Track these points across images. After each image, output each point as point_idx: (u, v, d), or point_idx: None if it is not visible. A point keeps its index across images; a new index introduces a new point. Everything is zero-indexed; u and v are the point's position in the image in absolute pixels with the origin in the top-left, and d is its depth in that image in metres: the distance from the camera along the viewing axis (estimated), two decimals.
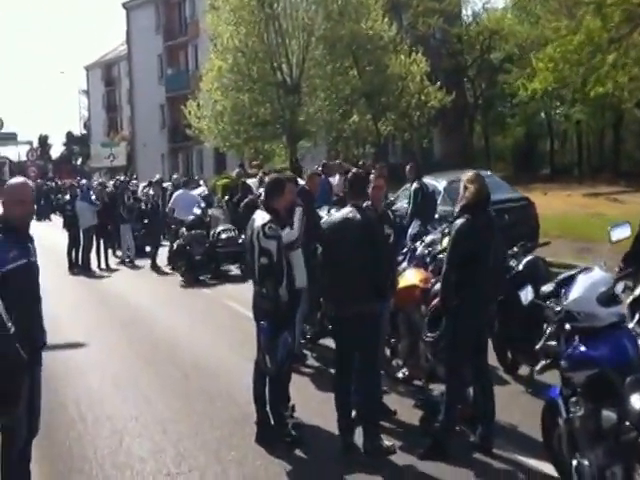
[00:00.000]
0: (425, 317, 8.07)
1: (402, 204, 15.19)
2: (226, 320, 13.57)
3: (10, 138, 51.48)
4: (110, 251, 22.63)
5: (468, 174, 7.30)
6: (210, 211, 20.55)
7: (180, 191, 21.16)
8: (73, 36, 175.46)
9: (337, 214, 7.49)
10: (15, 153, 66.53)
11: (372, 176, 9.81)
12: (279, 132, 36.68)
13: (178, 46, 62.91)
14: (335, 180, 18.13)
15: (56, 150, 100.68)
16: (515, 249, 9.18)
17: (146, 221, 22.71)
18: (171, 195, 21.87)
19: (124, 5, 69.17)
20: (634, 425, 4.72)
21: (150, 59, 64.71)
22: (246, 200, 16.45)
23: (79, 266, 21.11)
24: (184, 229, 18.89)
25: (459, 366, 7.13)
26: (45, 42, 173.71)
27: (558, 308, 5.72)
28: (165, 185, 25.85)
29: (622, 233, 7.11)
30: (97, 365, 10.95)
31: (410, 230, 9.79)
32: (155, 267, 20.51)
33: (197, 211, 19.57)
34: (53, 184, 46.56)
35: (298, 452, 7.33)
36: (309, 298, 9.66)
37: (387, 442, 7.21)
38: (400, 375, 9.02)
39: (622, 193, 28.47)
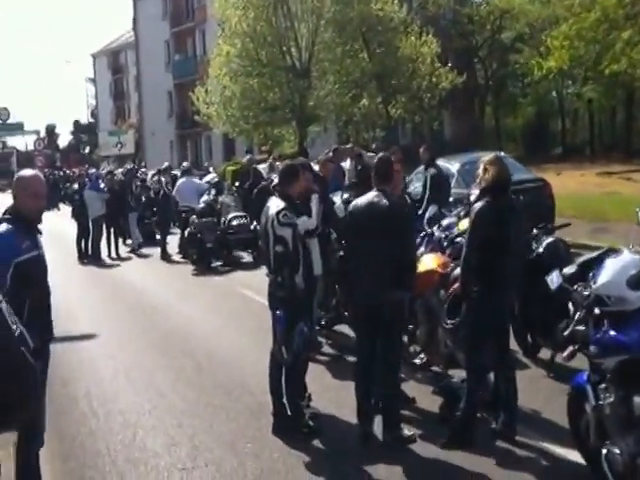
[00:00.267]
0: (444, 303, 7.88)
1: (416, 187, 14.94)
2: (240, 308, 13.40)
3: (17, 128, 51.59)
4: (120, 240, 22.50)
5: (488, 156, 7.13)
6: (220, 198, 20.38)
7: (183, 179, 21.01)
8: (79, 24, 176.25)
9: (362, 199, 7.26)
10: (22, 143, 66.79)
11: None
12: (288, 117, 36.52)
13: (185, 32, 62.73)
14: (347, 165, 17.91)
15: (64, 139, 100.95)
16: (535, 231, 8.98)
17: (155, 209, 22.57)
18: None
19: None
20: None
21: (157, 46, 64.59)
22: (259, 186, 16.32)
23: (89, 256, 20.98)
24: (194, 217, 18.75)
25: (480, 352, 6.97)
26: (51, 31, 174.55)
27: (587, 292, 5.59)
28: (174, 172, 25.69)
29: None
30: (109, 357, 10.79)
31: (427, 214, 9.63)
32: (165, 256, 20.36)
33: (207, 198, 19.42)
34: (61, 173, 46.51)
35: (316, 443, 7.19)
36: (324, 284, 9.50)
37: (407, 431, 7.06)
38: (417, 361, 8.90)
39: (636, 172, 28.16)
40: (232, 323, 12.40)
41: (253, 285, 13.90)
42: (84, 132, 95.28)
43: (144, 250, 22.08)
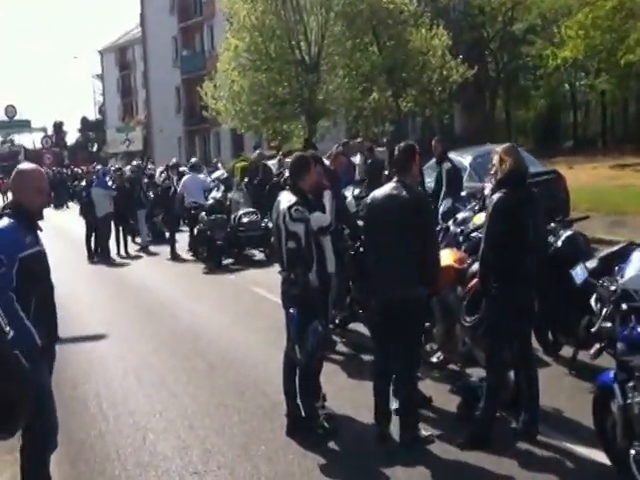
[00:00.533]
0: (462, 300, 7.68)
1: (428, 182, 14.74)
2: (252, 307, 13.22)
3: (24, 125, 51.40)
4: (129, 238, 22.34)
5: (503, 146, 6.85)
6: (229, 194, 20.20)
7: (188, 175, 20.82)
8: (86, 20, 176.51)
9: (380, 191, 7.03)
10: (30, 140, 66.86)
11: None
12: (298, 111, 36.36)
13: (193, 27, 62.67)
14: (357, 159, 17.79)
15: (71, 137, 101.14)
16: (553, 224, 8.75)
17: (163, 206, 22.35)
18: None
19: None
20: None
21: (165, 41, 64.57)
22: (271, 183, 16.18)
23: (98, 254, 20.82)
24: (204, 214, 18.55)
25: (500, 350, 6.77)
26: (57, 27, 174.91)
27: (613, 287, 5.38)
28: (182, 169, 25.53)
29: None
30: (118, 357, 10.63)
31: (441, 209, 9.45)
32: (175, 254, 20.11)
33: (216, 194, 19.24)
34: (69, 171, 46.48)
35: (331, 444, 7.02)
36: (338, 282, 9.29)
37: (424, 432, 6.89)
38: (434, 360, 8.69)
39: None
40: (244, 322, 12.21)
41: (265, 283, 13.74)
42: (92, 129, 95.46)
43: (153, 248, 21.92)
